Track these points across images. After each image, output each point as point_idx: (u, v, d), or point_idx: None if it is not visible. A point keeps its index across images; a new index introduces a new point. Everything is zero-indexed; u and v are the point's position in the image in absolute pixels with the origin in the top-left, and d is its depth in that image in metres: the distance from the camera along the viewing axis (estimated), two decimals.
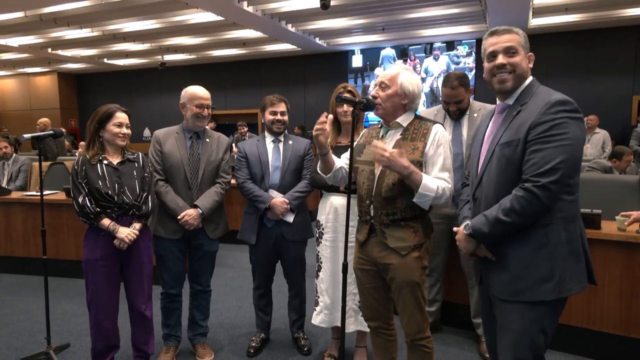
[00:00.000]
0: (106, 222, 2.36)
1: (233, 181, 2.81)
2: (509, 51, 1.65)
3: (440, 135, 1.94)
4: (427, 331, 2.03)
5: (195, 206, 2.63)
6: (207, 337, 2.93)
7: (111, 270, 2.43)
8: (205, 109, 2.67)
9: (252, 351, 2.86)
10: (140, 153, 2.56)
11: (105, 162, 2.41)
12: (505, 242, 1.61)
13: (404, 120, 2.01)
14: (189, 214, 2.60)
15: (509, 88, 1.67)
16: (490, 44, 1.68)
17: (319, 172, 2.16)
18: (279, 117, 2.77)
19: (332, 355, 2.74)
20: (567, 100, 1.55)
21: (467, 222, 1.70)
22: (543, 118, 1.52)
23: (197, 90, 2.69)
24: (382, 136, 2.06)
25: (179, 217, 2.58)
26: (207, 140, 2.74)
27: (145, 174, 2.50)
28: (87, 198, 2.35)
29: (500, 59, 1.65)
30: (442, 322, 3.17)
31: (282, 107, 2.78)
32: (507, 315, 1.63)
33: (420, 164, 1.91)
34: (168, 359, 2.78)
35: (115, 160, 2.44)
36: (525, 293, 1.57)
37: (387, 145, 1.96)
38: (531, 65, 1.70)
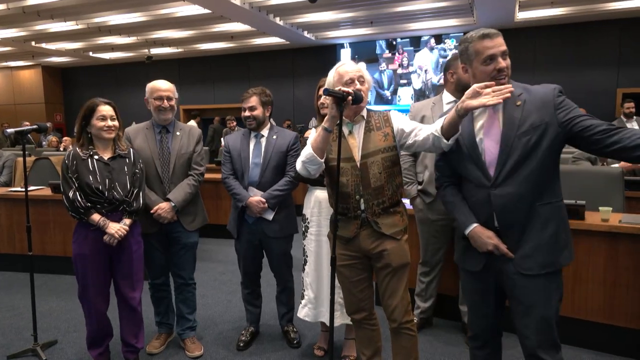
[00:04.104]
0: (96, 217, 2.34)
1: (217, 176, 2.81)
2: (505, 54, 1.72)
3: (399, 115, 2.11)
4: (412, 314, 2.12)
5: (168, 199, 2.64)
6: (196, 331, 2.94)
7: (100, 265, 2.42)
8: (165, 100, 2.67)
9: (241, 345, 2.87)
10: (131, 149, 2.54)
11: (96, 157, 2.39)
12: (534, 219, 1.72)
13: (364, 113, 2.09)
14: (162, 207, 2.61)
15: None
16: (486, 47, 1.71)
17: (314, 154, 1.93)
18: (247, 113, 2.72)
19: (322, 347, 2.76)
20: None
21: None
22: (559, 99, 1.70)
23: (157, 84, 2.70)
24: (350, 131, 2.07)
25: (152, 211, 2.59)
26: (178, 133, 2.75)
27: (137, 170, 2.48)
28: (77, 193, 2.33)
29: (502, 63, 1.71)
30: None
31: (251, 102, 2.71)
32: (534, 289, 1.73)
33: (395, 148, 2.04)
34: (157, 345, 2.84)
35: (106, 156, 2.42)
36: (552, 264, 1.72)
37: (356, 137, 2.05)
38: None
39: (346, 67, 2.03)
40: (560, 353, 1.76)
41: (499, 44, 1.71)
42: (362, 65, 2.13)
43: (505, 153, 1.71)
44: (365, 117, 2.08)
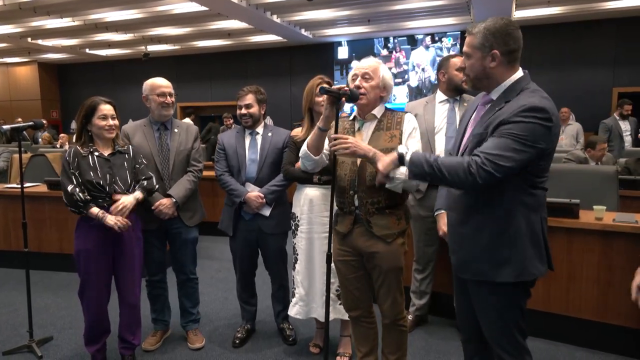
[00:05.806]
0: (95, 210, 2.36)
1: (213, 173, 2.82)
2: (466, 56, 1.71)
3: (413, 122, 2.07)
4: (404, 311, 2.15)
5: (169, 196, 2.65)
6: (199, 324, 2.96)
7: (103, 260, 2.43)
8: (168, 97, 2.70)
9: (237, 342, 2.88)
10: (130, 146, 2.57)
11: (96, 153, 2.42)
12: (468, 225, 1.68)
13: (378, 112, 2.08)
14: (163, 203, 2.62)
15: (468, 88, 1.80)
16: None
17: (308, 152, 2.05)
18: (243, 110, 2.74)
19: (317, 345, 2.78)
20: (542, 107, 1.52)
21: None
22: (514, 118, 1.53)
23: (157, 80, 2.72)
24: (359, 128, 2.09)
25: (153, 207, 2.60)
26: (176, 130, 2.78)
27: (137, 165, 2.52)
28: (76, 187, 2.34)
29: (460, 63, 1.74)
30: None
31: (247, 100, 2.74)
32: (478, 293, 1.72)
33: None
34: (153, 342, 2.85)
35: (106, 152, 2.45)
36: (486, 274, 1.65)
37: (364, 135, 2.06)
38: (494, 65, 1.63)
39: (359, 63, 2.07)
40: (521, 357, 1.70)
41: (465, 44, 1.70)
42: (376, 61, 2.09)
43: (464, 148, 1.72)
44: (378, 117, 2.07)
